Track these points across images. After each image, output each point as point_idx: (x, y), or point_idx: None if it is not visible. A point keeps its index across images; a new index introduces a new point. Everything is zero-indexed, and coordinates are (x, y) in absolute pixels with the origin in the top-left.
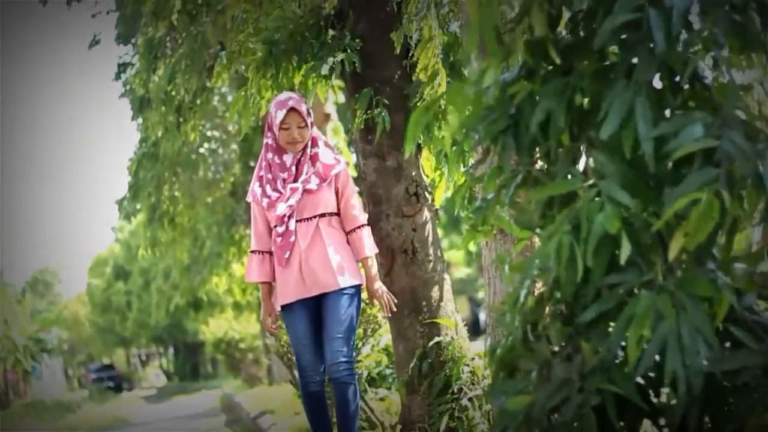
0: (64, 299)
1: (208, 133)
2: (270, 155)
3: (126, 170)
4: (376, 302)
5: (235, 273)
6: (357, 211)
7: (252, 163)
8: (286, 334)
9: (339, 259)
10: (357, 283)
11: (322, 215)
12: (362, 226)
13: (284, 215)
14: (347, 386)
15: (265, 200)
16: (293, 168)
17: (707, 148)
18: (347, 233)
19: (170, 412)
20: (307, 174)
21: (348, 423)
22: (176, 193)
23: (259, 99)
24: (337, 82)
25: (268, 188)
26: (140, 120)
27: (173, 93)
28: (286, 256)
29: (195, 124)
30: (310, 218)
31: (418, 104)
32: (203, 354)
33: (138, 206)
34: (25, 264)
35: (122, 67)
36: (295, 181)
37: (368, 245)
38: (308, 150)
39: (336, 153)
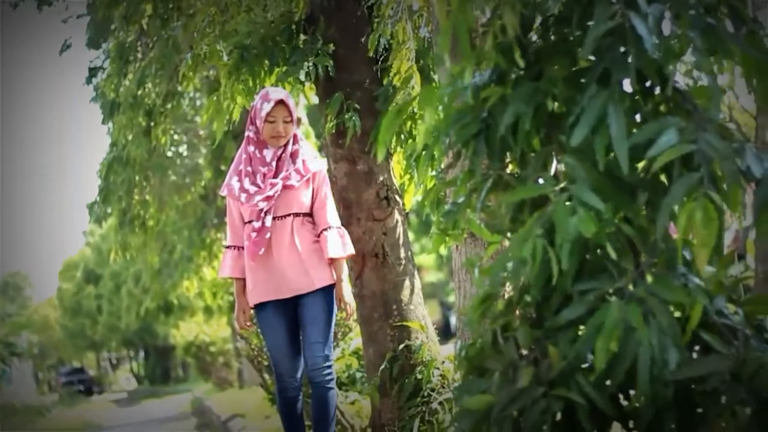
0: (34, 303)
1: (177, 137)
2: (251, 148)
3: (96, 174)
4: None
5: (206, 276)
6: (329, 213)
7: (223, 167)
8: (257, 337)
9: (311, 260)
10: (330, 283)
11: (296, 214)
12: (329, 228)
13: (261, 210)
14: (327, 390)
15: (243, 195)
16: (273, 163)
17: (685, 153)
18: (318, 234)
19: (141, 416)
20: (287, 171)
21: (325, 427)
22: (147, 197)
23: (231, 104)
24: (307, 86)
25: (246, 182)
26: (111, 124)
27: (144, 97)
28: (261, 252)
29: (165, 128)
30: (285, 216)
31: (389, 108)
32: (174, 358)
33: (109, 210)
34: None
35: (93, 71)
36: (275, 177)
37: (332, 247)
38: (289, 146)
39: (315, 153)
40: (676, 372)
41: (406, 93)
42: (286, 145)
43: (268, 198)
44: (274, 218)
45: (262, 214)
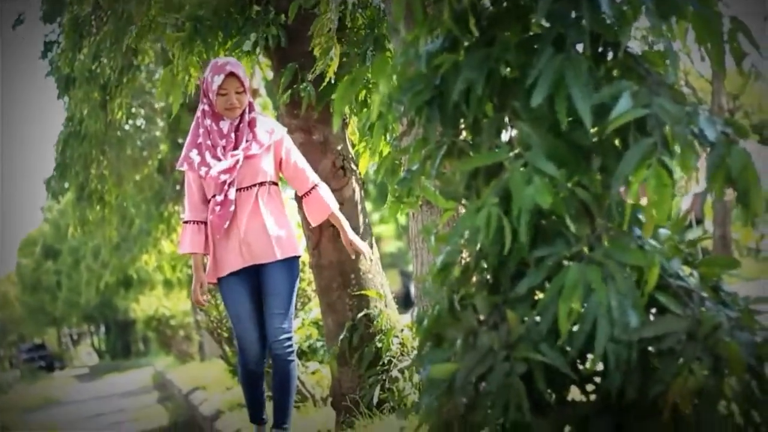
0: None
1: (134, 111)
2: (208, 122)
3: (53, 149)
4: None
5: (165, 250)
6: (308, 172)
7: (180, 140)
8: (216, 309)
9: (277, 230)
10: (296, 254)
11: (262, 184)
12: (317, 186)
13: (224, 182)
14: (289, 363)
15: (204, 169)
16: (232, 135)
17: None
18: (302, 197)
19: (103, 391)
20: (247, 141)
21: (286, 398)
22: (104, 172)
23: (186, 76)
24: (264, 60)
25: (207, 156)
26: (66, 99)
27: (99, 71)
28: (225, 225)
29: (122, 101)
30: (250, 187)
31: (309, 78)
32: (134, 332)
33: (66, 185)
34: None
35: (48, 45)
36: (236, 148)
37: (331, 201)
38: (246, 116)
39: (272, 120)
40: (633, 332)
41: (324, 63)
42: (242, 115)
43: (229, 170)
44: (238, 190)
45: (225, 187)
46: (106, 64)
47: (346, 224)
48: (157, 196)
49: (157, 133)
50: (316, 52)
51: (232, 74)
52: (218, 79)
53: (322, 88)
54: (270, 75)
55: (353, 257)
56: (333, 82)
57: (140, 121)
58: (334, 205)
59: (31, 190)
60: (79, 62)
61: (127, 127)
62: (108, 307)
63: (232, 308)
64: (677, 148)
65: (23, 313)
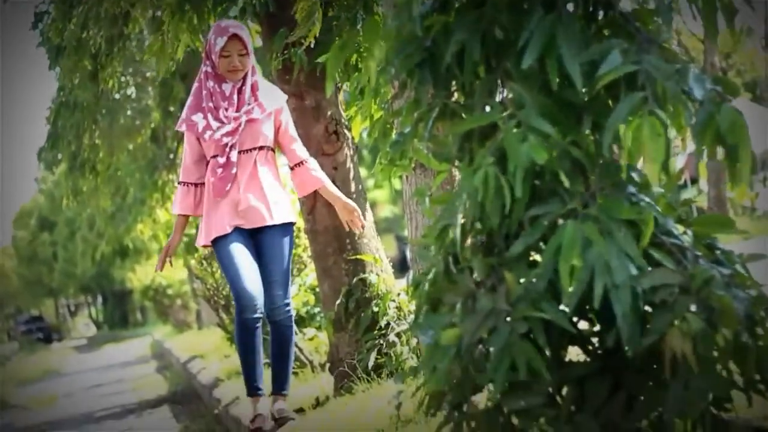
0: None
1: (125, 79)
2: (210, 84)
3: (45, 120)
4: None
5: (160, 219)
6: (300, 144)
7: (172, 108)
8: (211, 276)
9: (274, 195)
10: (292, 220)
11: (261, 148)
12: (307, 159)
13: (226, 145)
14: (287, 329)
15: (208, 132)
16: (234, 97)
17: (628, 74)
18: (292, 168)
19: (101, 361)
20: (249, 104)
21: (285, 364)
22: (96, 141)
23: (176, 43)
24: (254, 26)
25: (210, 118)
26: (57, 69)
27: (88, 40)
28: (228, 188)
29: (113, 71)
30: (250, 150)
31: (293, 43)
32: (132, 302)
33: (59, 156)
34: None
35: (39, 16)
36: (238, 110)
37: (321, 174)
38: (248, 79)
39: (274, 86)
40: (632, 281)
41: (306, 28)
42: (245, 78)
43: (232, 132)
44: (239, 152)
45: (227, 149)
46: (96, 33)
47: (338, 192)
48: (150, 164)
49: (149, 102)
50: (298, 17)
51: (234, 36)
52: (221, 41)
53: (313, 53)
54: (259, 42)
55: (356, 231)
56: (315, 46)
57: (131, 90)
58: (325, 178)
59: (26, 162)
60: (68, 31)
61: (117, 96)
62: (105, 277)
63: (229, 264)
64: (670, 107)
65: (20, 285)
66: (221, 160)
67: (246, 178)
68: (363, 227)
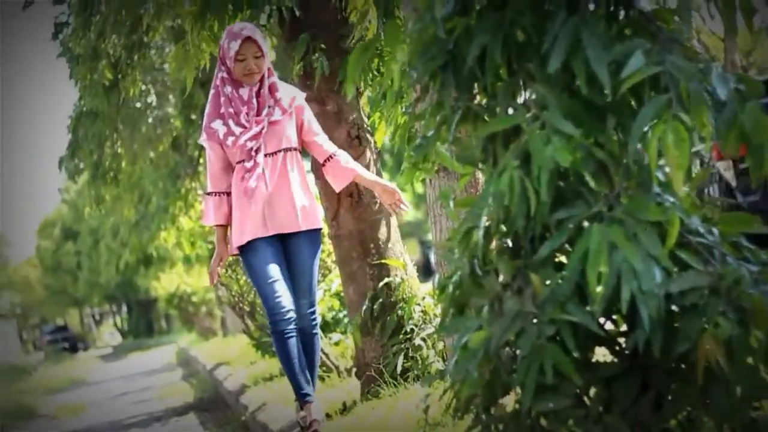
0: (13, 263)
1: (145, 88)
2: (228, 89)
3: (66, 129)
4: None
5: (183, 227)
6: (326, 138)
7: (193, 116)
8: (236, 283)
9: (303, 199)
10: (319, 226)
11: (287, 150)
12: (337, 151)
13: (251, 149)
14: (313, 336)
15: (231, 138)
16: (254, 101)
17: (652, 75)
18: (323, 164)
19: (127, 370)
20: (269, 107)
21: (311, 370)
22: (118, 150)
23: (198, 52)
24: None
25: (231, 124)
26: (77, 78)
27: (109, 49)
28: (252, 185)
29: (134, 79)
30: (275, 153)
31: (351, 46)
32: (156, 310)
33: (81, 165)
34: None
35: (59, 26)
36: (258, 114)
37: (353, 164)
38: (266, 81)
39: (291, 86)
40: (659, 287)
41: (363, 28)
42: (262, 80)
43: (255, 136)
44: (264, 155)
45: (253, 153)
46: (115, 41)
47: (373, 177)
48: (173, 172)
49: (170, 110)
50: (353, 18)
51: (248, 39)
52: (235, 45)
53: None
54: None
55: (397, 212)
56: (337, 52)
57: (150, 98)
58: (358, 167)
59: (49, 172)
60: (86, 40)
61: (138, 104)
62: (129, 286)
63: (257, 269)
64: (692, 107)
65: (45, 295)
66: (248, 164)
67: (274, 183)
68: (407, 209)
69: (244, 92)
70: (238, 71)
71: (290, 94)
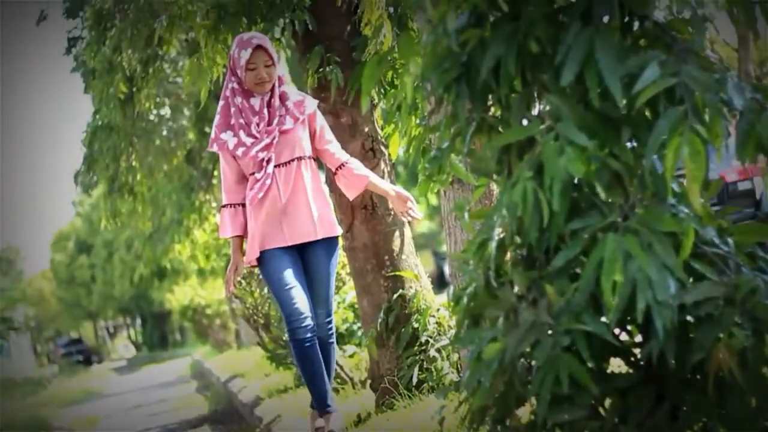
0: (27, 276)
1: (159, 100)
2: (238, 99)
3: (81, 143)
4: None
5: (197, 239)
6: (338, 146)
7: (207, 129)
8: (251, 296)
9: (319, 207)
10: (336, 234)
11: (300, 158)
12: (348, 161)
13: (262, 160)
14: (330, 345)
15: (241, 149)
16: (265, 111)
17: (667, 86)
18: (334, 172)
19: (141, 382)
20: (280, 116)
21: (326, 375)
22: (134, 163)
23: (212, 65)
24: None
25: (242, 135)
26: (92, 92)
27: (122, 63)
28: (260, 196)
29: (149, 92)
30: (288, 162)
31: (366, 59)
32: (170, 322)
33: (96, 178)
34: None
35: (72, 41)
36: (270, 124)
37: (365, 170)
38: (276, 90)
39: (302, 93)
40: (673, 298)
41: (377, 42)
42: (272, 90)
43: (266, 147)
44: (277, 166)
45: (264, 164)
46: (130, 55)
47: (386, 185)
48: (186, 185)
49: (184, 123)
50: (367, 32)
51: (259, 47)
52: (245, 54)
53: (348, 71)
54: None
55: (409, 219)
56: (351, 64)
57: (164, 111)
58: (370, 174)
59: (62, 186)
60: (101, 54)
61: (152, 117)
62: (143, 298)
63: (275, 277)
64: (707, 118)
65: (59, 308)
66: (258, 175)
67: (289, 193)
68: (418, 216)
69: (255, 102)
70: (249, 80)
71: (302, 102)
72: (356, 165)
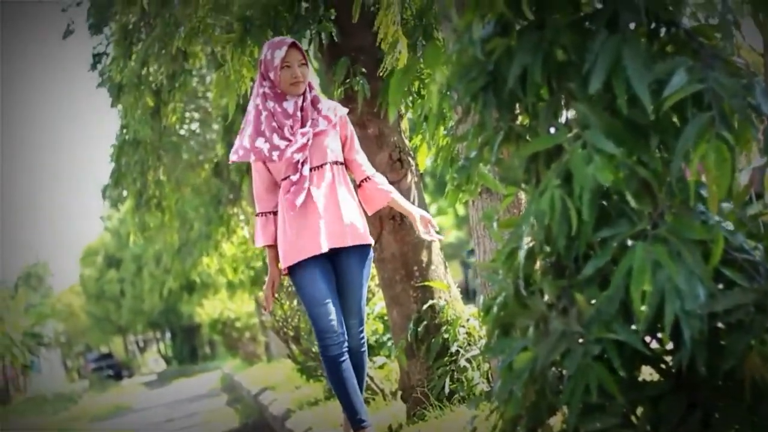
0: (57, 292)
1: (187, 114)
2: (271, 104)
3: (109, 158)
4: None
5: (226, 252)
6: (365, 159)
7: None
8: (280, 308)
9: (351, 214)
10: (369, 242)
11: (332, 163)
12: (374, 173)
13: (297, 162)
14: (362, 354)
15: (276, 152)
16: (298, 114)
17: (695, 92)
18: (359, 185)
19: (172, 396)
20: (313, 119)
21: (359, 390)
22: (161, 177)
23: (239, 78)
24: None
25: (275, 138)
26: (120, 107)
27: (149, 77)
28: (299, 202)
29: (175, 106)
30: (321, 166)
31: (382, 74)
32: (200, 336)
33: (124, 193)
34: (15, 260)
35: (97, 57)
36: (303, 125)
37: (389, 187)
38: (308, 94)
39: (331, 100)
40: (703, 306)
41: (393, 57)
42: (304, 94)
43: (301, 148)
44: (311, 169)
45: (299, 166)
46: (156, 69)
47: (408, 204)
48: (215, 198)
49: (212, 136)
50: (384, 47)
51: (293, 45)
52: (280, 53)
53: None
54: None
55: (430, 239)
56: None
57: (194, 125)
58: (394, 191)
59: (90, 201)
60: (128, 69)
61: (182, 131)
62: (172, 312)
63: (307, 291)
64: (736, 124)
65: (89, 323)
66: (294, 177)
67: (321, 197)
68: (439, 238)
69: (288, 105)
70: (284, 80)
71: (333, 106)
72: (381, 180)
